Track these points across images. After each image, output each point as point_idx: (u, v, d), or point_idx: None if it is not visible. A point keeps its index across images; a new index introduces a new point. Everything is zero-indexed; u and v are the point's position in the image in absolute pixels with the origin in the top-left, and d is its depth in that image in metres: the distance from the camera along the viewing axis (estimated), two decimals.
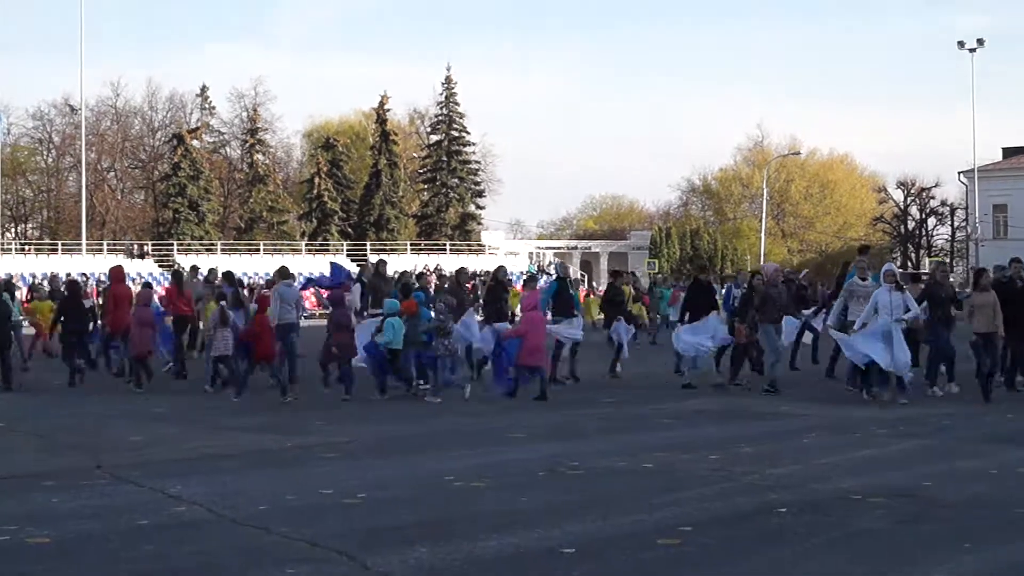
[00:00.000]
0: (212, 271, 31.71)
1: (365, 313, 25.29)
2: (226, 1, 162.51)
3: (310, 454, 15.36)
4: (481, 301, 27.97)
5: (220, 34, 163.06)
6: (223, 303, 24.17)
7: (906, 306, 20.83)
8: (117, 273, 27.15)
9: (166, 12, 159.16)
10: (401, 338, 22.52)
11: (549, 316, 24.28)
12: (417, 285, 26.72)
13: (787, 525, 10.78)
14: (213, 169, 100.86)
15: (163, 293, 31.27)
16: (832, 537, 10.36)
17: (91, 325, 26.51)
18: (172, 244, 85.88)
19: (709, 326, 24.00)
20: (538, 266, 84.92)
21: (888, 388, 20.98)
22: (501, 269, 27.49)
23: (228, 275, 27.61)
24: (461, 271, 28.18)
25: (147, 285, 27.11)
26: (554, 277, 26.67)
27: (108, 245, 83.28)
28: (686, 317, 24.37)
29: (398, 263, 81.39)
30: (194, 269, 35.92)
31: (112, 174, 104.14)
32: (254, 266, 77.61)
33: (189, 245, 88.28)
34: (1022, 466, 14.15)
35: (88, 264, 69.30)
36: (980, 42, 79.87)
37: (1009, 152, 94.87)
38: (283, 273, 24.16)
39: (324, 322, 24.34)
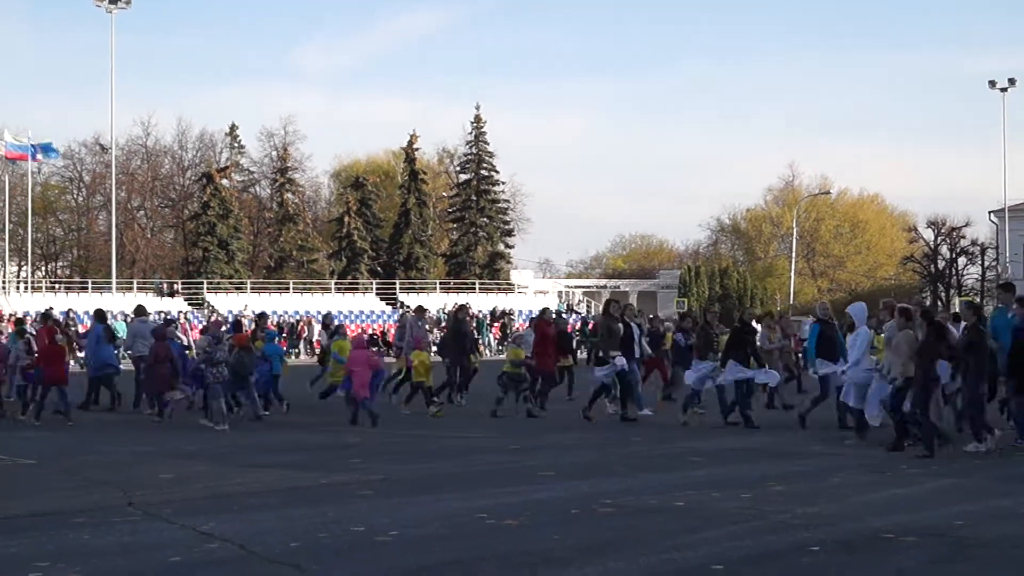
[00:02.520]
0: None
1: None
2: (256, 40, 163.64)
3: (343, 491, 15.36)
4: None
5: (250, 73, 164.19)
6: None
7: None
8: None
9: (196, 51, 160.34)
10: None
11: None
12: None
13: (820, 564, 10.74)
14: (243, 208, 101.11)
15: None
16: None
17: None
18: (202, 283, 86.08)
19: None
20: (567, 304, 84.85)
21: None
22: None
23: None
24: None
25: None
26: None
27: (138, 283, 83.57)
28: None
29: (428, 301, 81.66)
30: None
31: (142, 213, 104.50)
32: (283, 304, 77.80)
33: (219, 284, 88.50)
34: None
35: (117, 302, 69.46)
36: (1012, 81, 79.87)
37: None
38: (139, 311, 29.59)
39: None
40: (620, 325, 25.52)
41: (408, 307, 78.82)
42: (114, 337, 29.75)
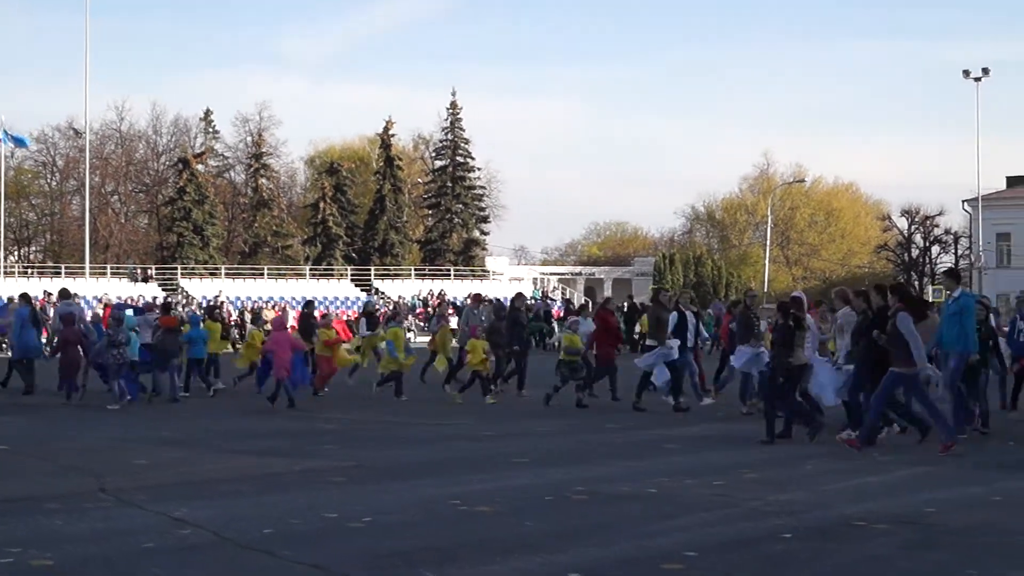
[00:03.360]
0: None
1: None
2: (231, 25, 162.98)
3: (317, 478, 15.35)
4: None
5: (225, 58, 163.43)
6: None
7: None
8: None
9: (172, 36, 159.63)
10: (136, 350, 26.22)
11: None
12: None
13: (792, 551, 10.79)
14: (217, 193, 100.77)
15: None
16: (837, 563, 10.37)
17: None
18: (176, 268, 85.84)
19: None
20: (543, 292, 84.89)
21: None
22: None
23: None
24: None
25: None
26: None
27: (112, 269, 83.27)
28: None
29: (403, 288, 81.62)
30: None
31: (116, 198, 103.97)
32: (258, 290, 77.69)
33: (193, 269, 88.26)
34: None
35: (91, 288, 69.18)
36: (985, 71, 79.89)
37: (1013, 181, 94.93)
38: (63, 294, 30.82)
39: None
40: (674, 314, 25.01)
41: (381, 293, 78.86)
42: (38, 322, 29.77)
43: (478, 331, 27.78)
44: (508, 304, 30.03)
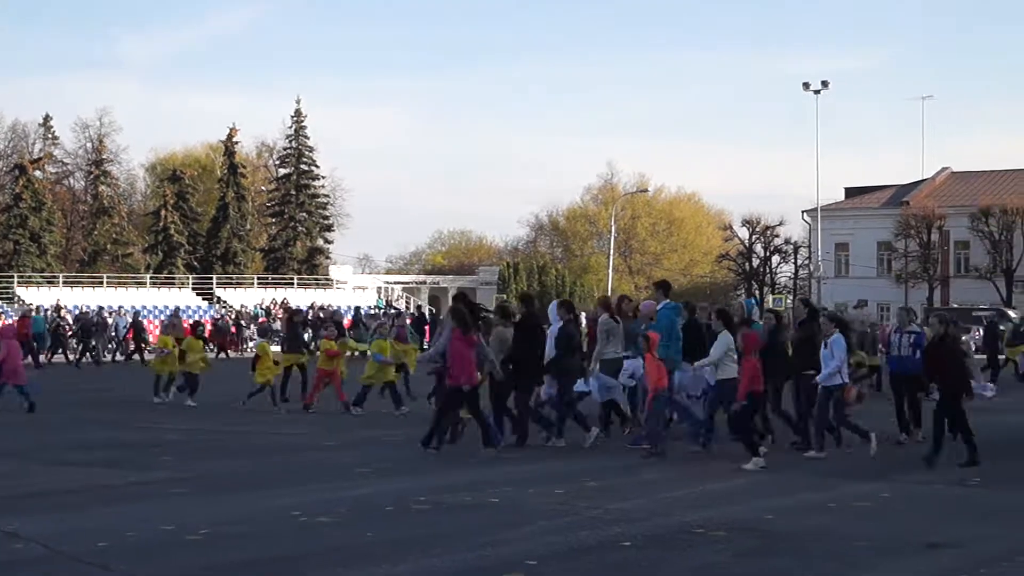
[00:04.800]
0: None
1: None
2: (71, 30, 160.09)
3: (154, 489, 15.15)
4: None
5: (64, 63, 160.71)
6: None
7: None
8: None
9: (8, 39, 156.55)
10: None
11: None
12: None
13: (631, 559, 10.87)
14: (56, 200, 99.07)
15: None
16: (674, 570, 10.47)
17: None
18: (12, 276, 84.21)
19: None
20: (387, 301, 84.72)
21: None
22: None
23: None
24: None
25: None
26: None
27: None
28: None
29: (245, 297, 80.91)
30: None
31: None
32: (97, 299, 76.42)
33: (30, 278, 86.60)
34: (859, 500, 14.42)
35: None
36: (824, 84, 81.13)
37: (851, 192, 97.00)
38: None
39: None
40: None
41: (223, 302, 78.07)
42: None
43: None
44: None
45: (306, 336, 36.06)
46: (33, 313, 54.93)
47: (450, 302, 21.37)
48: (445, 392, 19.81)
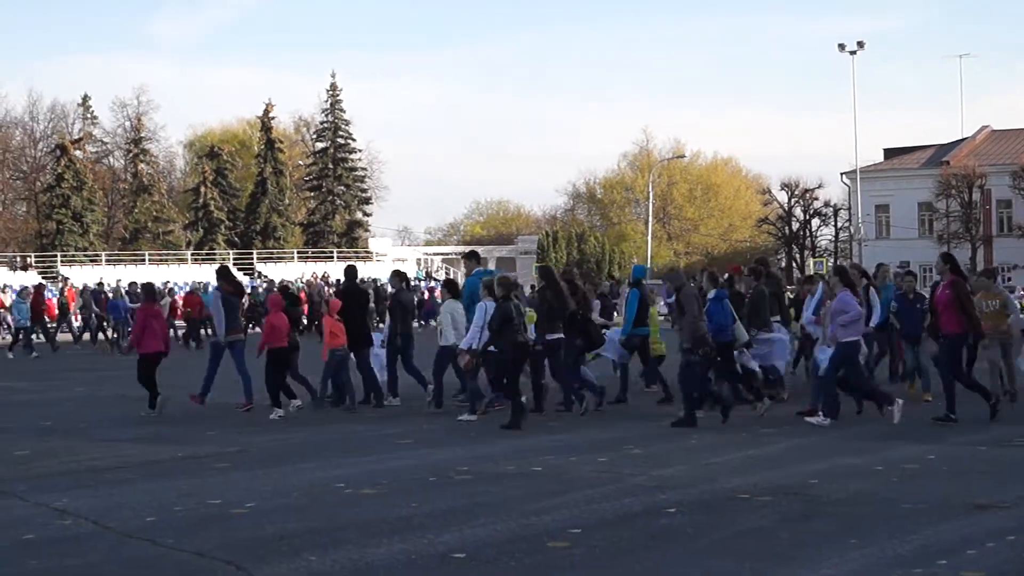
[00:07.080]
0: None
1: None
2: (106, 10, 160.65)
3: (200, 464, 15.22)
4: None
5: (101, 43, 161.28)
6: None
7: None
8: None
9: (46, 21, 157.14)
10: None
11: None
12: None
13: (676, 525, 10.85)
14: (97, 179, 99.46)
15: None
16: (721, 536, 10.44)
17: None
18: (56, 256, 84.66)
19: None
20: (426, 272, 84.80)
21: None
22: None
23: None
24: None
25: None
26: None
27: None
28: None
29: (285, 271, 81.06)
30: None
31: None
32: (139, 276, 76.67)
33: (73, 256, 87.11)
34: (905, 462, 14.34)
35: None
36: (860, 44, 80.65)
37: (890, 153, 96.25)
38: None
39: None
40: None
41: (263, 276, 78.20)
42: None
43: None
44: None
45: None
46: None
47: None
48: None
